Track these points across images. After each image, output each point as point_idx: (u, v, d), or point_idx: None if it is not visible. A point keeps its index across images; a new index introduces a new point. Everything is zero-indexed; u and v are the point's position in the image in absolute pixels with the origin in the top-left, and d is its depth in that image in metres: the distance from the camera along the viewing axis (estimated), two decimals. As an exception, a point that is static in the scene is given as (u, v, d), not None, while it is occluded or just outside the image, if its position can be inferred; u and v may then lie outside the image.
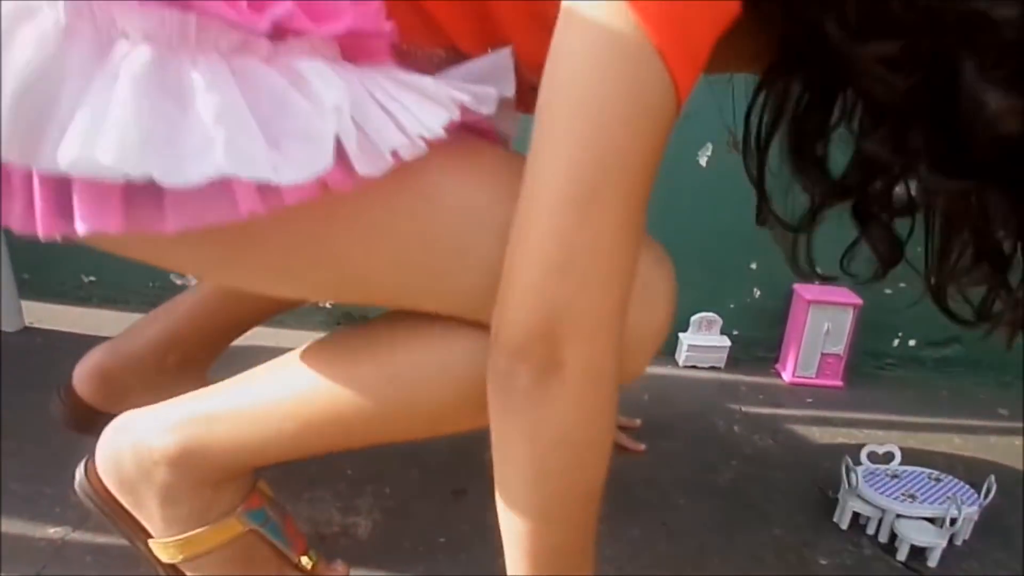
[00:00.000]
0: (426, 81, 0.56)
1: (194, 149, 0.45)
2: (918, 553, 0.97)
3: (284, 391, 0.67)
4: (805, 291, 1.42)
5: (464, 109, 0.56)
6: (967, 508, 0.99)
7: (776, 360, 1.50)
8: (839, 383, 1.44)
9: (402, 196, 0.57)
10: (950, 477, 1.06)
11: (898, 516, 0.98)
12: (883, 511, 0.99)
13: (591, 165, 0.52)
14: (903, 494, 1.01)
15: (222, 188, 0.47)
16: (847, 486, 1.02)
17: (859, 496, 1.01)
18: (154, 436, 0.68)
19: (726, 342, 1.46)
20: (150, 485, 0.69)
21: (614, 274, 0.55)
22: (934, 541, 0.95)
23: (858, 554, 0.98)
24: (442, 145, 0.53)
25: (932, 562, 0.96)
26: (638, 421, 1.21)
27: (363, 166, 0.50)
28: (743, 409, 1.32)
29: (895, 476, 1.05)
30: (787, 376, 1.45)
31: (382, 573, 0.86)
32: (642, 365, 0.64)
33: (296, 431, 0.66)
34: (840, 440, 1.25)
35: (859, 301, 1.40)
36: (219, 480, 0.70)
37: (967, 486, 1.04)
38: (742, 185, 1.40)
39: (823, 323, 1.41)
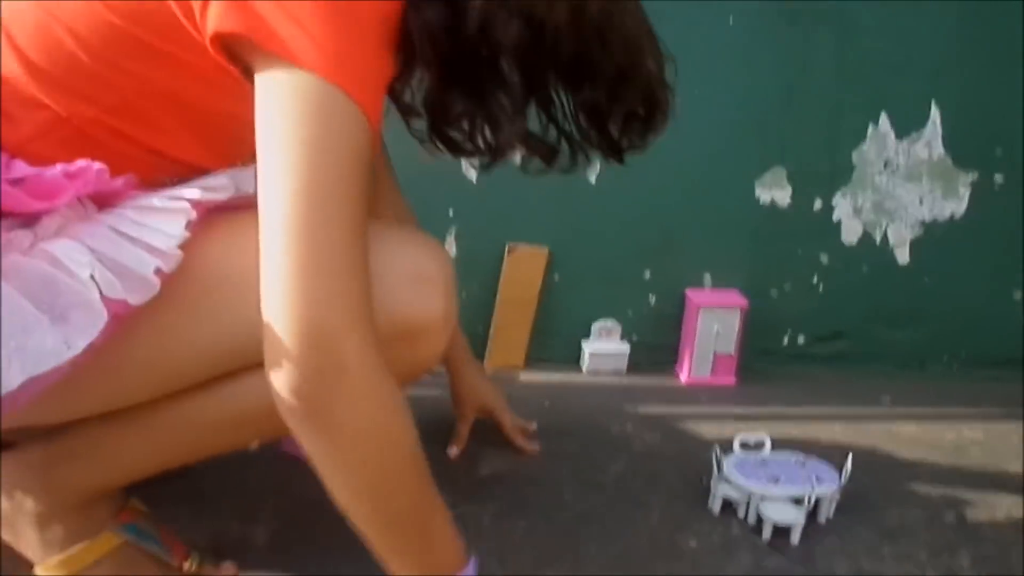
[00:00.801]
0: (156, 199, 0.68)
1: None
2: (782, 533, 1.05)
3: (126, 421, 0.75)
4: (695, 296, 1.50)
5: (199, 202, 0.68)
6: (825, 487, 1.07)
7: (674, 362, 1.58)
8: (732, 381, 1.53)
9: (178, 291, 0.66)
10: (815, 460, 1.14)
11: (763, 498, 1.06)
12: (749, 494, 1.07)
13: (310, 180, 0.59)
14: (768, 478, 1.09)
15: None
16: (716, 472, 1.09)
17: (727, 481, 1.09)
18: (22, 473, 0.75)
19: (626, 348, 1.54)
20: (23, 515, 0.76)
21: (356, 265, 0.61)
22: (794, 519, 1.03)
23: (726, 535, 1.06)
24: (200, 230, 0.67)
25: (795, 539, 1.04)
26: (533, 424, 1.28)
27: (136, 297, 0.63)
28: (639, 410, 1.40)
29: (763, 463, 1.13)
30: (684, 377, 1.53)
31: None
32: (434, 352, 0.75)
33: (139, 452, 0.76)
34: (727, 434, 1.33)
35: (745, 303, 1.49)
36: (87, 501, 0.77)
37: (830, 468, 1.12)
38: (630, 200, 1.49)
39: (713, 325, 1.49)
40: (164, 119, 0.70)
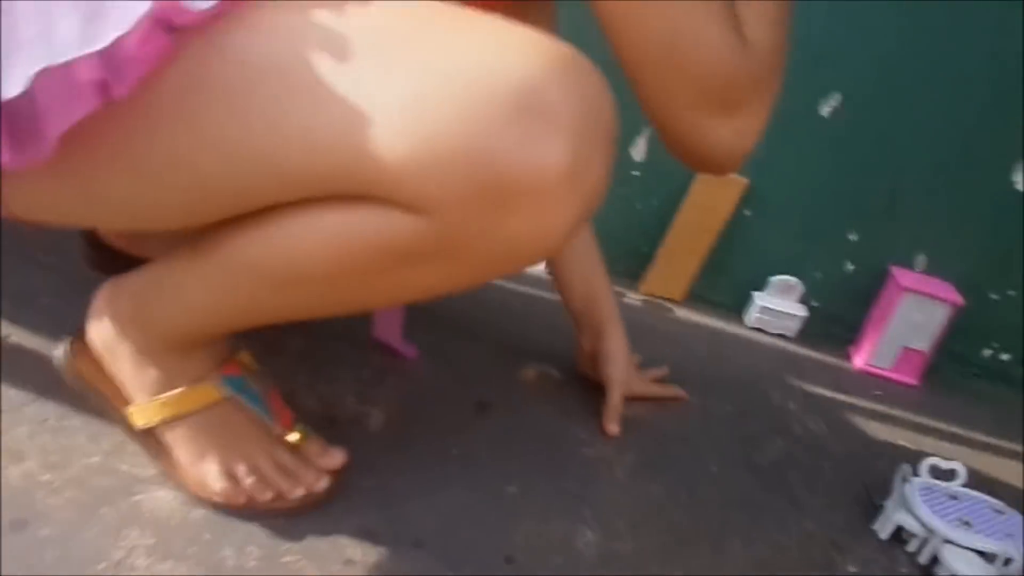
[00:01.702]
0: None
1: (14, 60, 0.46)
2: (958, 584, 0.88)
3: (201, 257, 0.63)
4: (903, 276, 1.29)
5: None
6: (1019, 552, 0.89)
7: (851, 342, 1.38)
8: (915, 382, 1.33)
9: (212, 66, 0.52)
10: (1015, 512, 0.96)
11: (946, 541, 0.89)
12: (931, 532, 0.90)
13: None
14: (958, 519, 0.91)
15: (68, 85, 0.47)
16: (898, 496, 0.92)
17: (908, 510, 0.92)
18: (123, 298, 0.67)
19: (802, 311, 1.35)
20: (124, 347, 0.67)
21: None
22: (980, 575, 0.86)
23: (892, 570, 0.90)
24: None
25: (972, 598, 0.88)
26: (665, 368, 1.13)
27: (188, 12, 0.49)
28: (803, 387, 1.23)
29: (953, 497, 0.95)
30: (859, 362, 1.34)
31: (383, 473, 0.82)
32: (545, 232, 0.54)
33: (222, 297, 0.63)
34: (901, 443, 1.15)
35: (960, 300, 1.27)
36: (186, 345, 0.68)
37: (1031, 527, 0.94)
38: (860, 147, 1.26)
39: (914, 314, 1.28)
40: None
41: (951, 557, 0.88)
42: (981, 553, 0.89)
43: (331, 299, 0.62)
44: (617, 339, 1.02)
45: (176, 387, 0.68)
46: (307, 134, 0.51)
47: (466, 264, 0.56)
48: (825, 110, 1.25)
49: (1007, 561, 0.87)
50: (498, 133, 0.49)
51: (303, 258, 0.57)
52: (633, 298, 1.35)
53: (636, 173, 1.33)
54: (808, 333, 1.37)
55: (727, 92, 0.59)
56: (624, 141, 1.31)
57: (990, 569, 0.87)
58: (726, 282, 1.38)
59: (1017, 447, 1.24)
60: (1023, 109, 1.20)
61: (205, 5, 0.50)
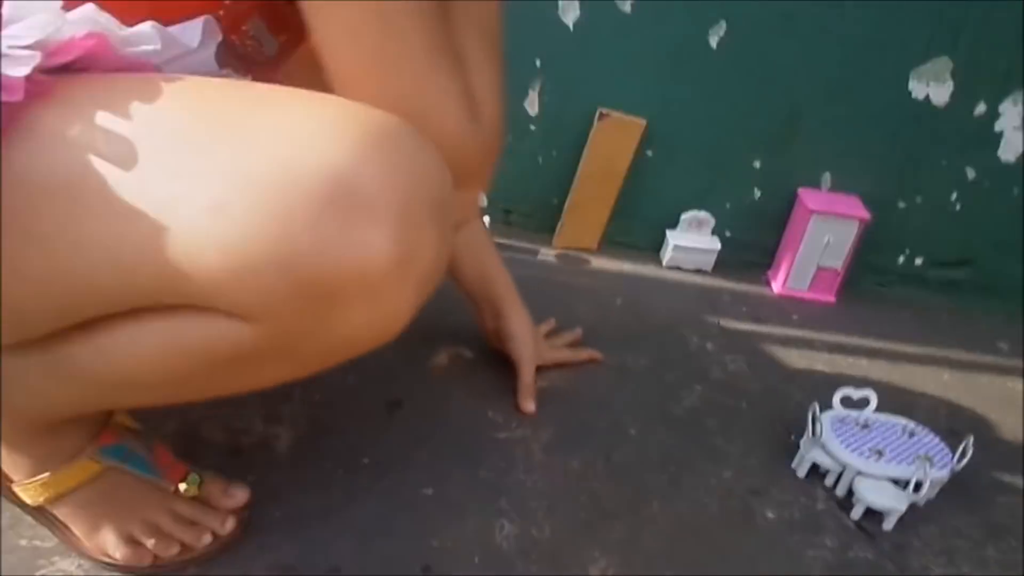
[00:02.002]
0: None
1: None
2: (875, 515, 0.91)
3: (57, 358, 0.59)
4: (809, 198, 1.29)
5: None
6: (936, 472, 0.91)
7: (768, 267, 1.39)
8: (831, 299, 1.34)
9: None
10: (926, 431, 0.98)
11: (859, 473, 0.91)
12: (844, 466, 0.92)
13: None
14: (870, 449, 0.93)
15: None
16: (811, 435, 0.94)
17: (821, 446, 0.93)
18: None
19: (716, 244, 1.35)
20: None
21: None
22: (892, 506, 0.89)
23: (810, 508, 0.92)
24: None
25: (888, 525, 0.90)
26: (578, 330, 1.12)
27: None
28: (721, 323, 1.23)
29: (865, 426, 0.97)
30: (777, 287, 1.35)
31: (294, 499, 0.81)
32: (377, 321, 0.51)
33: (86, 391, 0.60)
34: (819, 368, 1.17)
35: (866, 215, 1.27)
36: (54, 425, 0.65)
37: (942, 444, 0.96)
38: (752, 73, 1.24)
39: (824, 235, 1.28)
40: None
41: (864, 489, 0.90)
42: (895, 480, 0.92)
43: (176, 395, 0.61)
44: (517, 315, 1.00)
45: (53, 467, 0.66)
46: (111, 252, 0.48)
47: (305, 359, 0.54)
48: (713, 41, 1.22)
49: (917, 486, 0.89)
50: (311, 230, 0.45)
51: (133, 366, 0.55)
52: (548, 254, 1.33)
53: (532, 127, 1.30)
54: (726, 265, 1.37)
55: (461, 169, 0.55)
56: (517, 96, 1.27)
57: (901, 496, 0.90)
58: (639, 225, 1.37)
59: (933, 351, 1.26)
60: (913, 17, 1.18)
61: None
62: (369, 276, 0.47)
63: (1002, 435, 1.10)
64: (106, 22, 0.52)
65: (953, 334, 1.32)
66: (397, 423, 0.93)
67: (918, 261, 1.38)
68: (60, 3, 0.50)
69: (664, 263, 1.36)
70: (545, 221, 1.37)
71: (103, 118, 0.48)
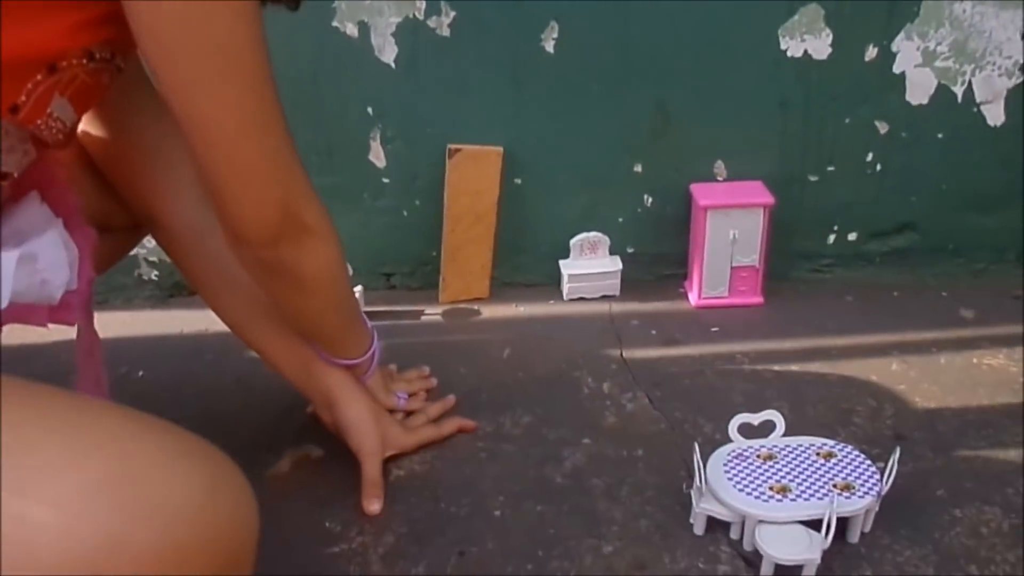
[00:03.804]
0: None
1: None
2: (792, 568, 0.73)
3: None
4: (702, 194, 1.13)
5: None
6: (856, 502, 0.74)
7: (685, 277, 1.22)
8: (758, 300, 1.17)
9: None
10: (847, 449, 0.81)
11: (760, 521, 0.74)
12: (743, 516, 0.75)
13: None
14: (772, 487, 0.76)
15: None
16: (698, 481, 0.77)
17: (713, 494, 0.77)
18: None
19: (617, 264, 1.19)
20: None
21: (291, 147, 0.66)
22: (803, 557, 0.71)
23: (709, 573, 0.75)
24: None
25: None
26: (450, 398, 0.98)
27: None
28: (624, 355, 1.07)
29: (769, 457, 0.80)
30: (694, 298, 1.18)
31: None
32: None
33: None
34: (739, 387, 1.00)
35: (770, 198, 1.11)
36: None
37: (866, 463, 0.79)
38: (607, 69, 1.09)
39: (728, 231, 1.12)
40: None
41: (767, 540, 0.73)
42: (807, 522, 0.74)
43: None
44: (354, 405, 0.86)
45: None
46: None
47: None
48: (549, 45, 1.08)
49: (828, 529, 0.72)
50: None
51: None
52: (434, 313, 1.19)
53: (385, 180, 1.17)
54: (637, 285, 1.21)
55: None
56: (358, 151, 1.15)
57: (815, 541, 0.72)
58: (529, 261, 1.22)
59: (880, 337, 1.08)
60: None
61: None
62: None
63: (963, 428, 0.91)
64: None
65: (905, 312, 1.14)
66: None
67: (851, 236, 1.20)
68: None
69: (564, 296, 1.21)
70: (428, 277, 1.23)
71: None
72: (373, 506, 0.83)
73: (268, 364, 0.88)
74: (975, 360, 1.03)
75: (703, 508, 0.77)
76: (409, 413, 0.95)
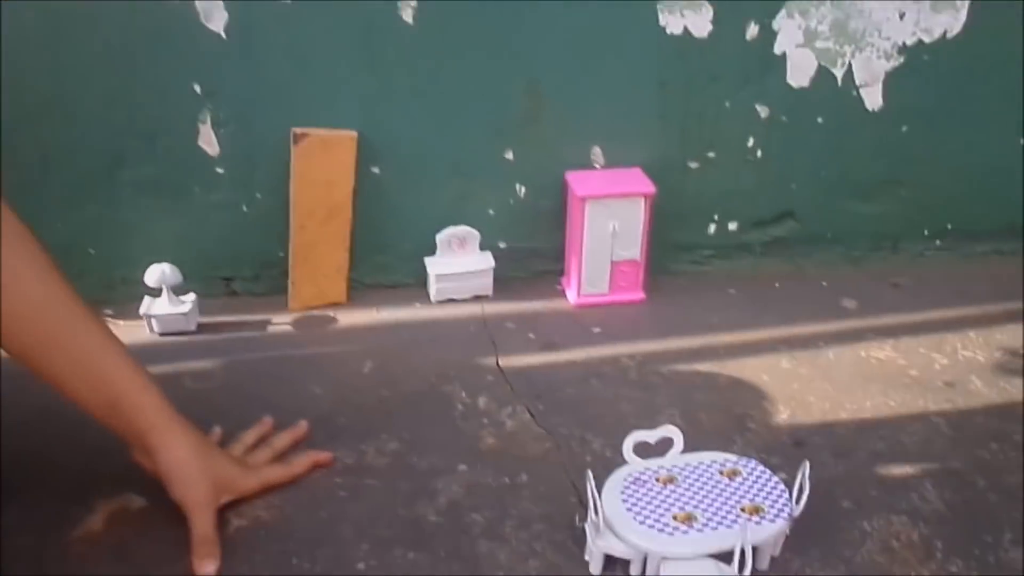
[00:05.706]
0: None
1: None
2: (700, 603, 0.65)
3: None
4: (579, 183, 1.03)
5: None
6: (765, 529, 0.66)
7: (563, 274, 1.13)
8: (639, 296, 1.09)
9: None
10: (751, 465, 0.73)
11: (664, 558, 0.65)
12: (644, 553, 0.66)
13: None
14: (675, 515, 0.67)
15: None
16: (592, 515, 0.68)
17: (609, 528, 0.67)
18: None
19: (489, 261, 1.08)
20: None
21: None
22: (714, 594, 0.63)
23: (610, 622, 0.65)
24: None
25: (718, 615, 0.64)
26: (301, 425, 0.84)
27: None
28: (501, 363, 0.96)
29: (670, 480, 0.71)
30: (573, 297, 1.09)
31: None
32: None
33: None
34: (626, 395, 0.91)
35: (651, 188, 1.02)
36: None
37: (772, 480, 0.71)
38: (469, 36, 0.97)
39: (608, 223, 1.03)
40: None
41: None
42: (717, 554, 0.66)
43: None
44: (175, 448, 0.71)
45: None
46: None
47: None
48: (407, 14, 0.95)
49: (742, 556, 0.63)
50: None
51: None
52: (282, 322, 1.04)
53: (220, 171, 1.01)
54: (511, 284, 1.11)
55: None
56: (186, 138, 0.98)
57: (724, 570, 0.64)
58: (392, 259, 1.10)
59: (765, 332, 1.02)
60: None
61: None
62: None
63: (860, 429, 0.86)
64: None
65: (789, 305, 1.09)
66: None
67: (732, 226, 1.14)
68: None
69: (432, 299, 1.09)
70: (274, 281, 1.08)
71: None
72: (206, 568, 0.68)
73: (65, 399, 0.71)
74: (863, 354, 0.99)
75: (600, 546, 0.67)
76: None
